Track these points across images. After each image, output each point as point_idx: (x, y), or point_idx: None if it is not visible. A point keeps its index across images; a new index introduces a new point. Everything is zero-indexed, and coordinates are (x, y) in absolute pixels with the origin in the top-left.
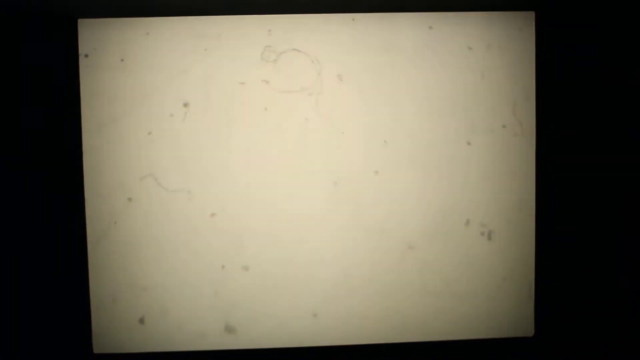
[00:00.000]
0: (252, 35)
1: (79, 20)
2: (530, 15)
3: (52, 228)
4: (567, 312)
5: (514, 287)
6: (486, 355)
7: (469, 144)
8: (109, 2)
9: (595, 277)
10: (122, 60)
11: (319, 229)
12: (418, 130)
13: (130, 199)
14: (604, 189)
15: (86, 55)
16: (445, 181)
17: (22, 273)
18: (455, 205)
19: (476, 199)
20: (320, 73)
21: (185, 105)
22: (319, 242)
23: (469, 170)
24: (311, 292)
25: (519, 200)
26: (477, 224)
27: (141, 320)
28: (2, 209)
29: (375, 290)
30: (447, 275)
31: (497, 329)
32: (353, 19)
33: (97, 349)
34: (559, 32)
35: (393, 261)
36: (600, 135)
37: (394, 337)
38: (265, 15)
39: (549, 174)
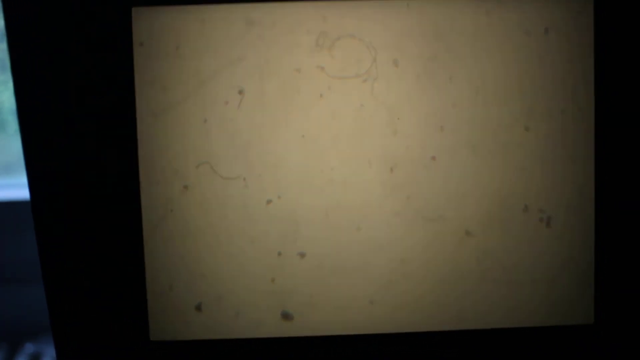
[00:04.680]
0: (306, 21)
1: (133, 9)
2: None
3: (108, 216)
4: (628, 299)
5: (573, 273)
6: (544, 343)
7: (526, 129)
8: None
9: None
10: (177, 48)
11: (376, 215)
12: (475, 116)
13: (186, 187)
14: None
15: (141, 44)
16: (502, 167)
17: (79, 262)
18: (513, 191)
19: (534, 185)
20: (376, 59)
21: (240, 92)
22: (375, 229)
23: (527, 156)
24: (368, 280)
25: (578, 186)
26: (535, 210)
27: (198, 308)
28: (59, 200)
29: (432, 277)
30: (505, 262)
31: (555, 316)
32: (407, 5)
33: (153, 336)
34: (618, 15)
35: (450, 248)
36: None
37: (451, 325)
38: (320, 2)
39: (609, 159)
